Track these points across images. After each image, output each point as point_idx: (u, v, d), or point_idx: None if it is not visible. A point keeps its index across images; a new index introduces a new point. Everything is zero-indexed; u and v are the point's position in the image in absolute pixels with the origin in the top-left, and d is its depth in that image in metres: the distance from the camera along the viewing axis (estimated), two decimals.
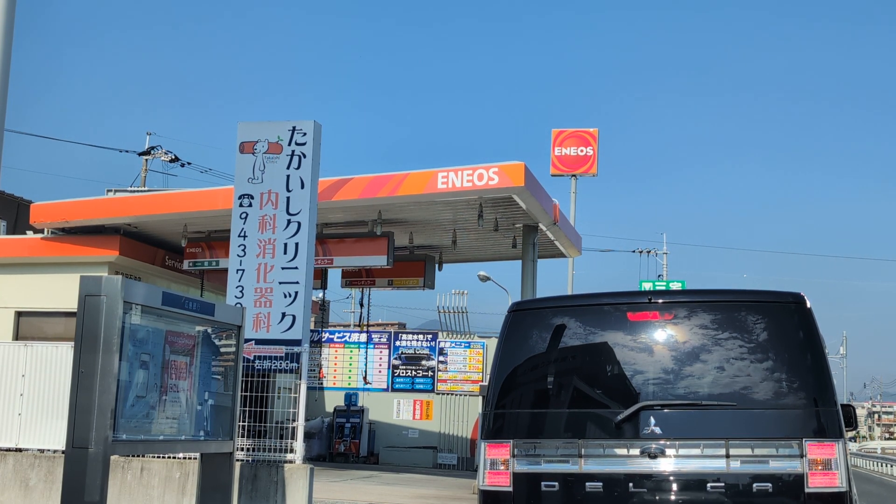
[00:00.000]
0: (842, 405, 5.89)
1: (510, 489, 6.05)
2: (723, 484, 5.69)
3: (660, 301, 6.25)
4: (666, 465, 5.78)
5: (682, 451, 5.79)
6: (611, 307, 6.30)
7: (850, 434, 9.92)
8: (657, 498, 5.77)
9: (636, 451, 5.83)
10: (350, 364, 24.31)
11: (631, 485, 5.80)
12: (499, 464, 6.11)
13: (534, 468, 6.04)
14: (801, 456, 5.62)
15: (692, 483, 5.74)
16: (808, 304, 6.02)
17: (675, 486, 5.76)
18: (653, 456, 5.79)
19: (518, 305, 6.68)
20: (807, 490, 5.58)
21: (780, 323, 5.99)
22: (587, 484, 5.87)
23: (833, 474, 5.60)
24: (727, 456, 5.72)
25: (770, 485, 5.64)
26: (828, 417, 5.71)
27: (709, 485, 5.71)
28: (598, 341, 6.22)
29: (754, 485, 5.66)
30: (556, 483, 5.95)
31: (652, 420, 5.83)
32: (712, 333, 6.00)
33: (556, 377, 6.31)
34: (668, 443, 5.80)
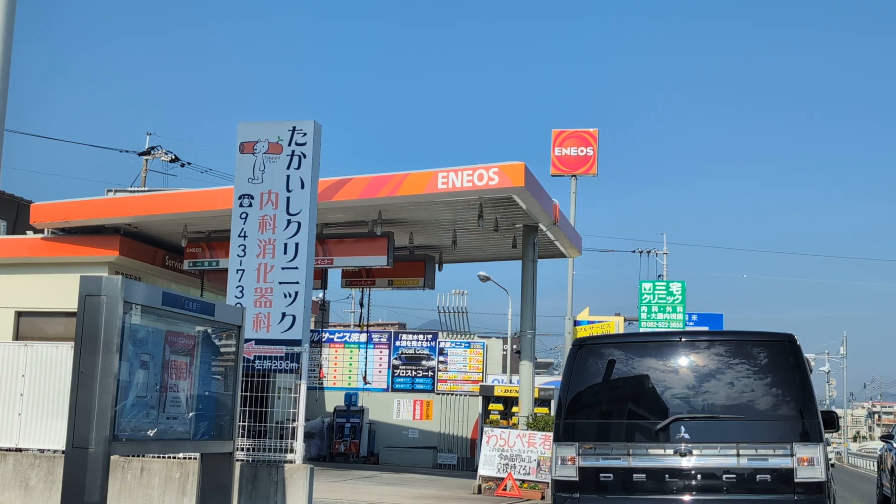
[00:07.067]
0: (824, 412, 8.00)
1: (576, 479, 8.07)
2: (734, 475, 7.72)
3: (688, 339, 8.39)
4: (692, 461, 7.80)
5: (704, 451, 7.79)
6: (652, 343, 8.55)
7: (834, 433, 13.87)
8: (685, 484, 7.78)
9: (670, 451, 7.85)
10: (350, 364, 24.33)
11: (666, 476, 7.84)
12: (567, 460, 8.11)
13: (594, 463, 8.05)
14: (792, 455, 7.64)
15: (711, 474, 7.75)
16: (798, 342, 8.06)
17: (699, 477, 7.77)
18: (682, 455, 7.82)
19: (582, 341, 8.81)
20: (796, 480, 7.62)
21: (776, 356, 8.02)
22: (634, 475, 7.90)
23: (816, 468, 7.62)
24: (738, 455, 7.71)
25: (769, 476, 7.67)
26: (811, 426, 7.72)
27: (724, 476, 7.73)
28: (641, 368, 8.30)
29: (757, 476, 7.68)
30: (611, 474, 7.97)
31: (682, 428, 7.86)
32: (725, 362, 8.04)
33: (610, 396, 8.46)
34: (693, 445, 7.81)
